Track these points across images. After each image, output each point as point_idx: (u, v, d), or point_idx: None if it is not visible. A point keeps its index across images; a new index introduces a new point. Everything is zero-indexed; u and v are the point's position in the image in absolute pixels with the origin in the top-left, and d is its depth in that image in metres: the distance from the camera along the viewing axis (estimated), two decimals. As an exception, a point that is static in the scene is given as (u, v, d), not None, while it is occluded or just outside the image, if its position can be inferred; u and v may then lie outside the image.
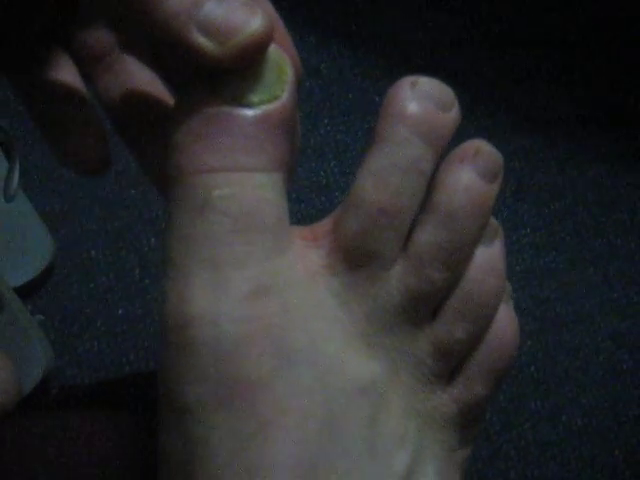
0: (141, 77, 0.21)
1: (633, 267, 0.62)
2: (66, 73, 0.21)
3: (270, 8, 0.19)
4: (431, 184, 0.20)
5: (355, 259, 0.19)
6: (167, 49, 0.19)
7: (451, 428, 0.20)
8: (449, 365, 0.20)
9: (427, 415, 0.20)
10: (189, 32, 0.17)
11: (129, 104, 0.21)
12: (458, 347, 0.20)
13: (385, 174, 0.19)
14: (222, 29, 0.17)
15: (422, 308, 0.19)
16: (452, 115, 0.19)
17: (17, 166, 0.56)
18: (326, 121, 0.61)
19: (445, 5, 0.65)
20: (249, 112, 0.18)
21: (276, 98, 0.19)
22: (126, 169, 0.59)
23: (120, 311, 0.57)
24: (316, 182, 0.61)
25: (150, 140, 0.21)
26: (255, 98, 0.19)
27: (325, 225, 0.20)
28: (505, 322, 0.20)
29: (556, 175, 0.63)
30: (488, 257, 0.20)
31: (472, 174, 0.19)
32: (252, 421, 0.17)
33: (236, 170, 0.18)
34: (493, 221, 0.20)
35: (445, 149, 0.20)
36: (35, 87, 0.20)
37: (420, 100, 0.19)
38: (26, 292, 0.55)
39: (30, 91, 0.21)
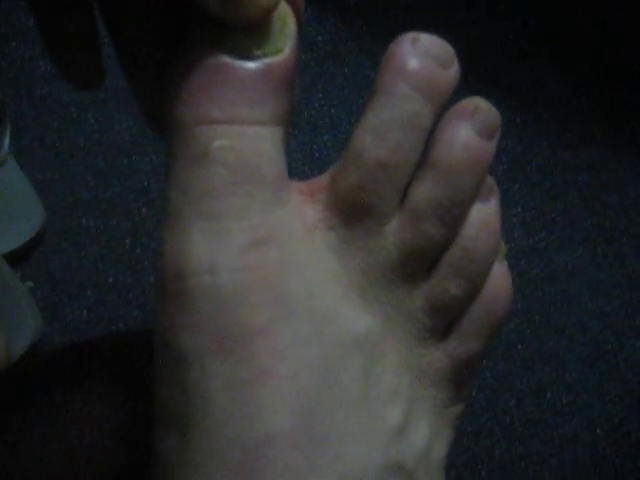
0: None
1: (621, 249, 0.63)
2: None
3: None
4: (429, 140, 0.20)
5: (352, 213, 0.19)
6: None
7: (444, 384, 0.20)
8: (443, 321, 0.20)
9: (421, 370, 0.20)
10: None
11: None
12: (452, 303, 0.20)
13: (384, 128, 0.19)
14: None
15: (418, 264, 0.20)
16: (451, 72, 0.19)
17: (7, 132, 0.55)
18: (320, 95, 0.61)
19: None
20: (251, 65, 0.18)
21: (279, 51, 0.18)
22: (118, 138, 0.59)
23: (110, 280, 0.57)
24: (309, 156, 0.61)
25: (151, 79, 0.21)
26: (258, 51, 0.19)
27: (322, 180, 0.20)
28: (499, 280, 0.21)
29: (548, 155, 0.63)
30: (484, 214, 0.20)
31: (470, 131, 0.19)
32: (250, 369, 0.17)
33: (236, 123, 0.18)
34: (489, 179, 0.21)
35: (444, 106, 0.20)
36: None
37: (420, 56, 0.19)
38: (16, 259, 0.55)
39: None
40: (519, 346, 0.60)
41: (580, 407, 0.60)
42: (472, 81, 0.63)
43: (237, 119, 0.18)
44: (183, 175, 0.18)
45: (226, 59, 0.18)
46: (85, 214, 0.59)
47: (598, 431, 0.60)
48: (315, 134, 0.61)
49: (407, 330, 0.20)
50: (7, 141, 0.56)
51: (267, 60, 0.18)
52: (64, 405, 0.24)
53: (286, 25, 0.19)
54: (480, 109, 0.20)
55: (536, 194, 0.63)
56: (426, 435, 0.20)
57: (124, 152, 0.60)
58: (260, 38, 0.19)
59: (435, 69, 0.19)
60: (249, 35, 0.19)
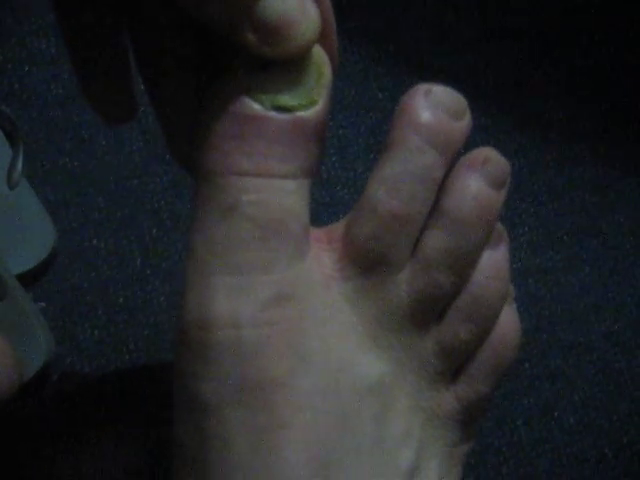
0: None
1: (628, 268, 0.63)
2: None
3: (329, 7, 0.19)
4: (441, 190, 0.20)
5: (366, 263, 0.20)
6: (205, 35, 0.19)
7: (453, 425, 0.21)
8: (453, 364, 0.21)
9: (431, 412, 0.20)
10: (242, 29, 0.17)
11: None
12: (462, 347, 0.20)
13: (398, 181, 0.19)
14: (273, 32, 0.17)
15: (429, 310, 0.20)
16: (464, 123, 0.20)
17: (21, 154, 0.56)
18: (329, 116, 0.62)
19: (448, 4, 0.65)
20: (285, 117, 0.18)
21: (313, 103, 0.19)
22: (129, 160, 0.60)
23: (121, 300, 0.57)
24: (318, 176, 0.61)
25: (181, 116, 0.21)
26: (293, 102, 0.18)
27: (339, 228, 0.21)
28: (508, 323, 0.21)
29: (554, 175, 0.64)
30: (493, 261, 0.21)
31: (480, 182, 0.20)
32: (269, 419, 0.18)
33: (266, 176, 0.18)
34: (499, 226, 0.21)
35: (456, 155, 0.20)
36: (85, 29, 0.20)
37: (433, 109, 0.19)
38: (28, 280, 0.56)
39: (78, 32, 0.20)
40: (526, 365, 0.61)
41: (588, 426, 0.60)
42: (478, 102, 0.63)
43: (267, 172, 0.18)
44: (210, 226, 0.18)
45: (260, 109, 0.18)
46: (96, 235, 0.59)
47: (606, 450, 0.60)
48: (323, 155, 0.61)
49: (418, 374, 0.20)
50: (21, 163, 0.56)
51: (301, 113, 0.19)
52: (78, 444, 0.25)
53: (322, 75, 0.19)
54: (490, 160, 0.20)
55: (543, 214, 0.64)
56: (437, 475, 0.21)
57: (135, 174, 0.60)
58: (295, 87, 0.19)
59: (448, 122, 0.19)
60: (284, 83, 0.18)
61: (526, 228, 0.63)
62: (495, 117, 0.63)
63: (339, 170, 0.61)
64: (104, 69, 0.20)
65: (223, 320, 0.18)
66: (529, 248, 0.62)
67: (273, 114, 0.18)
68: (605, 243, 0.63)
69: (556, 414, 0.59)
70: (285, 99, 0.18)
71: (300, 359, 0.18)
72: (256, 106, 0.18)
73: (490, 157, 0.20)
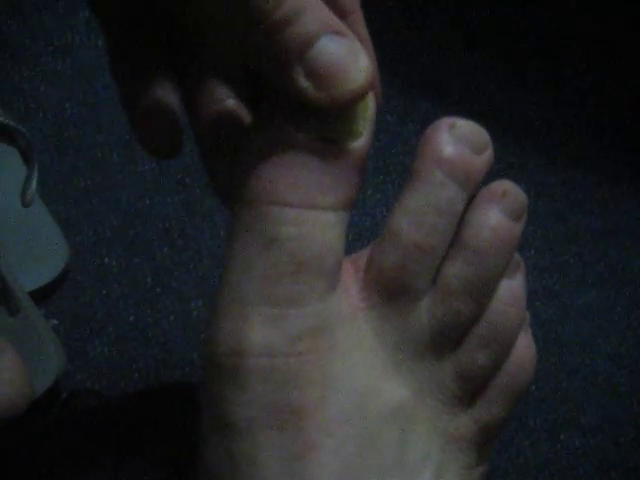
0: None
1: (634, 290, 0.63)
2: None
3: (370, 47, 0.19)
4: (461, 221, 0.21)
5: (389, 291, 0.20)
6: (259, 73, 0.19)
7: (471, 447, 0.21)
8: (471, 389, 0.21)
9: (449, 435, 0.21)
10: (295, 73, 0.17)
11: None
12: (480, 372, 0.21)
13: (421, 213, 0.20)
14: (327, 78, 0.17)
15: (448, 337, 0.21)
16: (486, 157, 0.20)
17: (35, 172, 0.57)
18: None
19: (457, 27, 0.66)
20: (331, 149, 0.18)
21: (359, 135, 0.19)
22: (141, 179, 0.60)
23: (131, 318, 0.58)
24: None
25: (223, 151, 0.21)
26: (339, 135, 0.18)
27: (363, 257, 0.21)
28: (524, 349, 0.22)
29: (561, 198, 0.64)
30: (511, 290, 0.21)
31: (499, 214, 0.20)
32: (299, 443, 0.18)
33: (308, 207, 0.18)
34: (516, 255, 0.22)
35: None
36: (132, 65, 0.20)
37: (457, 144, 0.20)
38: (40, 296, 0.56)
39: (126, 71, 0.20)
40: (533, 387, 0.61)
41: (594, 449, 0.60)
42: (488, 127, 0.64)
43: (309, 204, 0.18)
44: (249, 255, 0.19)
45: (306, 140, 0.18)
46: (108, 253, 0.60)
47: (613, 474, 0.60)
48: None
49: (437, 398, 0.21)
50: (35, 181, 0.57)
51: (347, 145, 0.19)
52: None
53: (368, 108, 0.19)
54: (509, 193, 0.21)
55: (550, 236, 0.64)
56: None
57: (147, 193, 0.61)
58: (341, 121, 0.18)
59: (470, 156, 0.20)
60: (330, 117, 0.18)
61: (533, 251, 0.63)
62: (501, 142, 0.64)
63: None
64: (154, 110, 0.20)
65: (257, 348, 0.18)
66: (536, 271, 0.63)
67: (318, 145, 0.18)
68: (611, 266, 0.63)
69: (562, 436, 0.59)
70: (331, 131, 0.18)
71: (329, 387, 0.19)
72: (302, 137, 0.18)
73: (509, 190, 0.21)
